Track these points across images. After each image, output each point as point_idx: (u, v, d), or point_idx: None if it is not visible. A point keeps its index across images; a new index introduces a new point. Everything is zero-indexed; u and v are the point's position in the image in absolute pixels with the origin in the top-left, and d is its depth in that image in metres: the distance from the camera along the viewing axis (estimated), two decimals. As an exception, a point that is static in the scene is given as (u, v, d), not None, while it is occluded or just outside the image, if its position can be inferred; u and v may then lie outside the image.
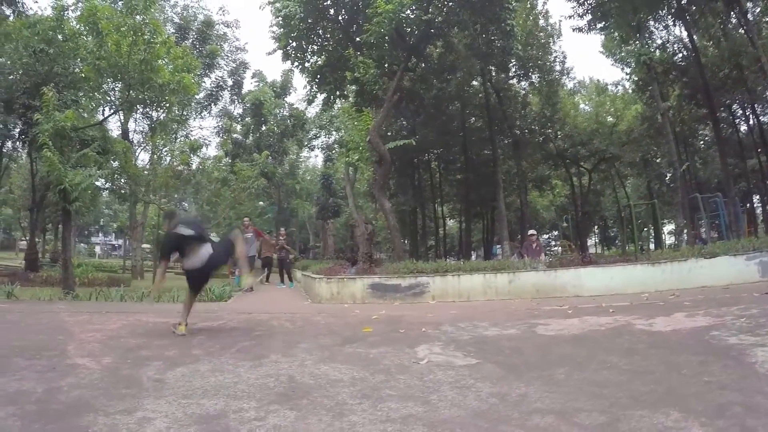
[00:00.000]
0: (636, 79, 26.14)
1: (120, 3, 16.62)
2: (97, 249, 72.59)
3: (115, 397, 3.37)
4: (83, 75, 16.47)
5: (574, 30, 22.06)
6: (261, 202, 36.49)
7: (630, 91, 30.51)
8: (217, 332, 6.04)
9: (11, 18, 17.99)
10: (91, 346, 5.05)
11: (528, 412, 3.12)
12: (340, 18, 18.07)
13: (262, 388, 3.68)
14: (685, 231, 19.17)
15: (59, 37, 18.27)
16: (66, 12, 19.23)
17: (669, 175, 31.88)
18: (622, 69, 29.12)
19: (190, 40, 28.25)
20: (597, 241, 53.94)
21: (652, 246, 30.59)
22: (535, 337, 5.52)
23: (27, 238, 31.86)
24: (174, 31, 26.71)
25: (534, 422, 2.93)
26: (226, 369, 4.22)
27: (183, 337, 5.62)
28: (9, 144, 25.28)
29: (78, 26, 16.74)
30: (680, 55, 24.97)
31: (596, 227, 52.24)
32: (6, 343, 5.04)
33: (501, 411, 3.15)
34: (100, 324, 5.96)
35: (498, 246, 26.71)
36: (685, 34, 22.86)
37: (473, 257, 35.63)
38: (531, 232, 15.91)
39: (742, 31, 21.03)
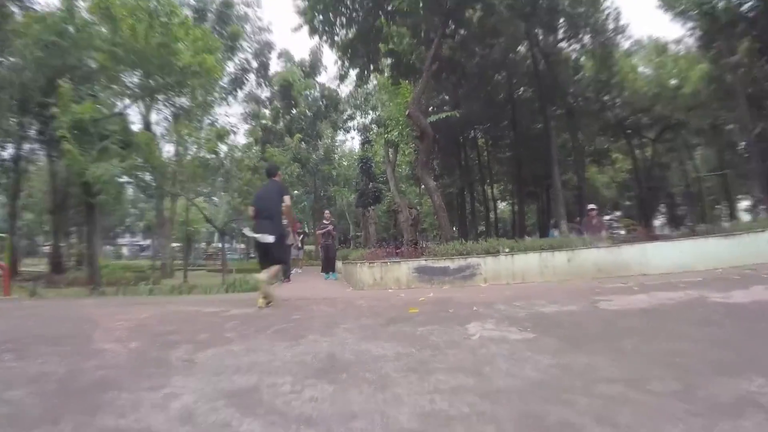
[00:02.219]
0: (699, 34, 25.33)
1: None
2: (124, 250, 74.59)
3: (142, 376, 3.45)
4: (99, 65, 16.85)
5: (626, -19, 21.55)
6: (296, 191, 36.66)
7: (694, 48, 29.61)
8: (253, 317, 6.09)
9: (18, 15, 18.55)
10: (118, 333, 5.16)
11: (593, 380, 3.07)
12: (369, -15, 17.96)
13: (298, 364, 3.71)
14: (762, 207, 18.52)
15: (71, 29, 18.80)
16: (76, 1, 19.80)
17: (743, 143, 30.86)
18: (683, 24, 28.25)
19: (209, 23, 28.54)
20: (664, 221, 52.74)
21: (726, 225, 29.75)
22: (598, 311, 5.44)
23: (51, 242, 32.82)
24: (192, 14, 27.03)
25: (600, 390, 2.89)
26: (260, 349, 4.26)
27: (215, 323, 5.71)
28: (26, 146, 26.15)
29: (90, 16, 17.16)
30: (747, 4, 24.01)
31: (663, 205, 51.09)
32: (28, 332, 5.22)
33: (563, 380, 3.12)
34: (128, 314, 6.12)
35: (554, 229, 26.22)
36: (751, -22, 22.06)
37: (528, 241, 35.24)
38: (590, 206, 15.64)
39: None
